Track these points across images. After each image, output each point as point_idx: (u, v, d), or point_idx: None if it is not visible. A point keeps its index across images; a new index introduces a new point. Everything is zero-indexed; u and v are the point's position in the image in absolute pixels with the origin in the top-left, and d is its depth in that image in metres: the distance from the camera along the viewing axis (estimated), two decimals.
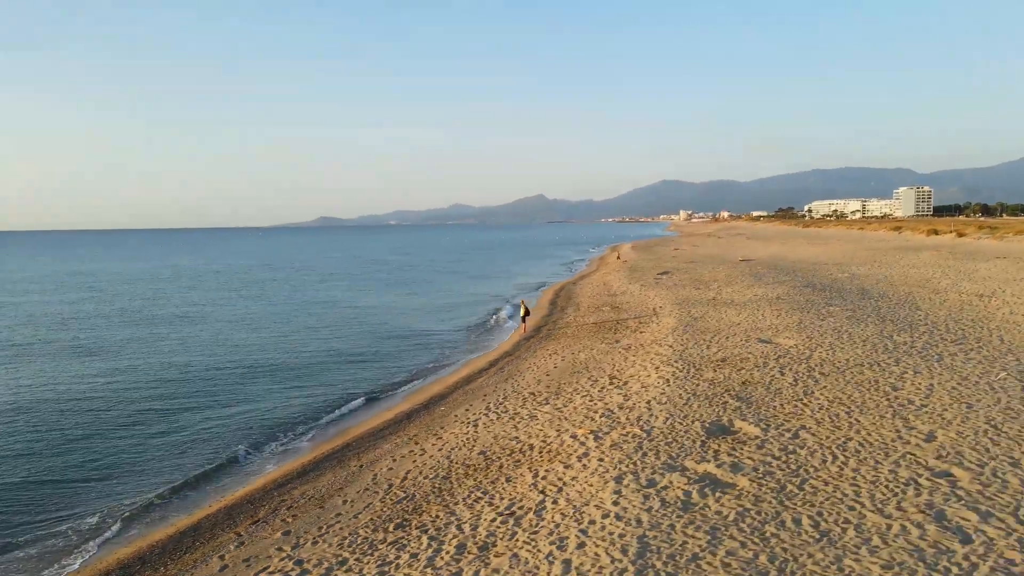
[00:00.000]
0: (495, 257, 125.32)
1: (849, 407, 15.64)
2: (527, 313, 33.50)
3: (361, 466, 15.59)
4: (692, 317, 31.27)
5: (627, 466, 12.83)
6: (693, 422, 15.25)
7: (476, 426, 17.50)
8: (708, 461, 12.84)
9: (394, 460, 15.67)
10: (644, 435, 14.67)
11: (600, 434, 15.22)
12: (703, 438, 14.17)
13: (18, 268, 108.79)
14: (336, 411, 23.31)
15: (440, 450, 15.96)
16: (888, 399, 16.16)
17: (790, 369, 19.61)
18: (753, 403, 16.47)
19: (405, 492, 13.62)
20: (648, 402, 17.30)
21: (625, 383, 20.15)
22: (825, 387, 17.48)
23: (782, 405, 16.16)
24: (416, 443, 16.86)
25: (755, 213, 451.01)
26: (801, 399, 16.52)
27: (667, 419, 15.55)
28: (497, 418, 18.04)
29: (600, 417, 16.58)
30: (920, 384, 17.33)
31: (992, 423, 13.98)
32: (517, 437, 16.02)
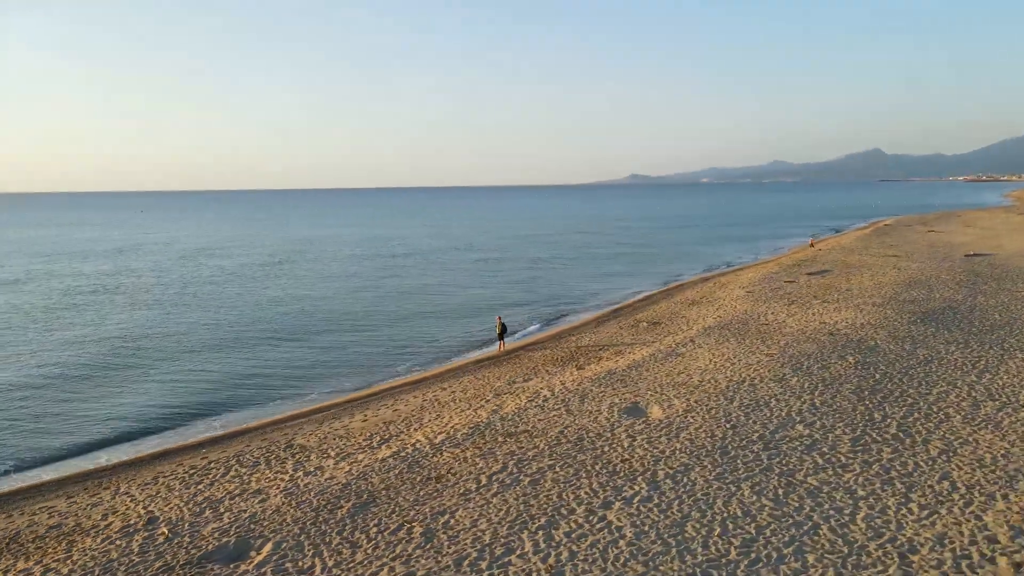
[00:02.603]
0: (733, 232, 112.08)
1: (458, 551, 12.13)
2: (503, 331, 30.71)
3: None
4: (670, 353, 26.07)
5: None
6: (242, 536, 13.16)
7: (151, 488, 16.28)
8: None
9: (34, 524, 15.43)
10: (166, 542, 13.10)
11: (151, 525, 13.86)
12: (196, 560, 12.27)
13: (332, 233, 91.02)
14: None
15: (60, 516, 15.02)
16: (533, 539, 12.14)
17: (535, 465, 15.60)
18: (376, 505, 13.69)
19: None
20: (299, 486, 15.25)
21: (384, 445, 17.95)
22: (506, 503, 13.29)
23: (392, 517, 13.12)
24: (77, 503, 15.76)
25: None
26: (441, 513, 13.06)
27: (239, 529, 13.55)
28: (179, 479, 16.72)
29: (229, 501, 15.18)
30: (631, 516, 12.51)
31: None
32: (124, 514, 14.66)
